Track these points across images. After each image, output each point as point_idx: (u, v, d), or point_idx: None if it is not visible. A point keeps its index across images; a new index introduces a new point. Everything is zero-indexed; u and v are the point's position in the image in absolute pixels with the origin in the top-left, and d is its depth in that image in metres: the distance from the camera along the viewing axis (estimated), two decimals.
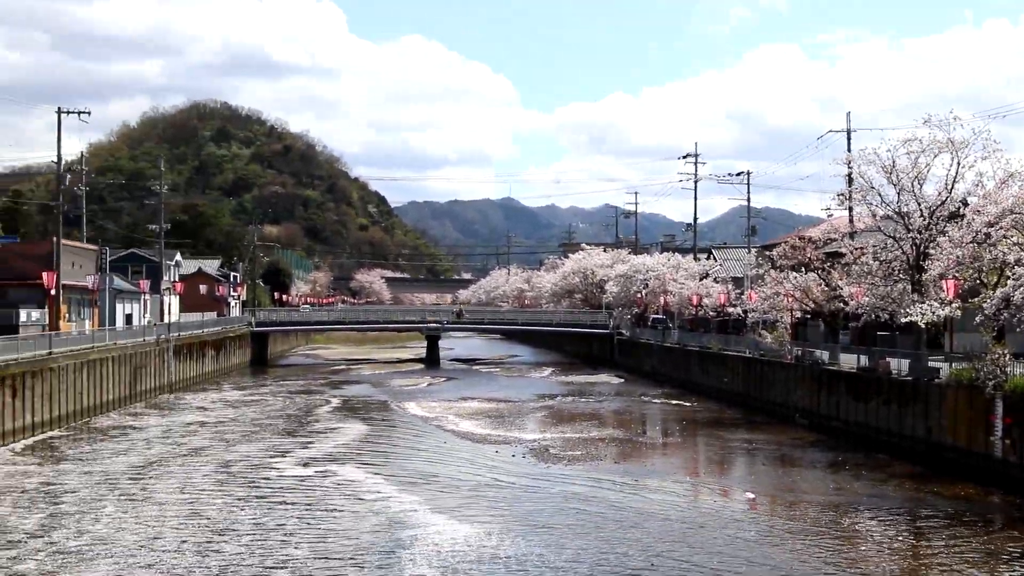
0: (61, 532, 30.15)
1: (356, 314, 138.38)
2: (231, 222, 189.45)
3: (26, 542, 28.70)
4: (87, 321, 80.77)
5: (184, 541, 29.22)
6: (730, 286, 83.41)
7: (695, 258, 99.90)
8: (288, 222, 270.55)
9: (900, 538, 30.98)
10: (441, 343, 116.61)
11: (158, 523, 31.53)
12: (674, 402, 68.31)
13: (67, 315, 75.16)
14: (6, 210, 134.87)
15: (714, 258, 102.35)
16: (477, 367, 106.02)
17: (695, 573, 26.31)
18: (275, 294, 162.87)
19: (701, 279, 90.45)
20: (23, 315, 67.41)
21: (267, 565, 26.67)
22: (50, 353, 53.61)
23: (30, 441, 47.89)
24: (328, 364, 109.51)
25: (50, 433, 50.69)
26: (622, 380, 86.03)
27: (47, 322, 67.88)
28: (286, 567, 26.45)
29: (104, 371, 60.34)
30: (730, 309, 77.12)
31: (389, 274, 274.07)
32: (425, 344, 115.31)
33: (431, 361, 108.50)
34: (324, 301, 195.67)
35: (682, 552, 28.30)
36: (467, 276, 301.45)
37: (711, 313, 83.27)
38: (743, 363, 65.45)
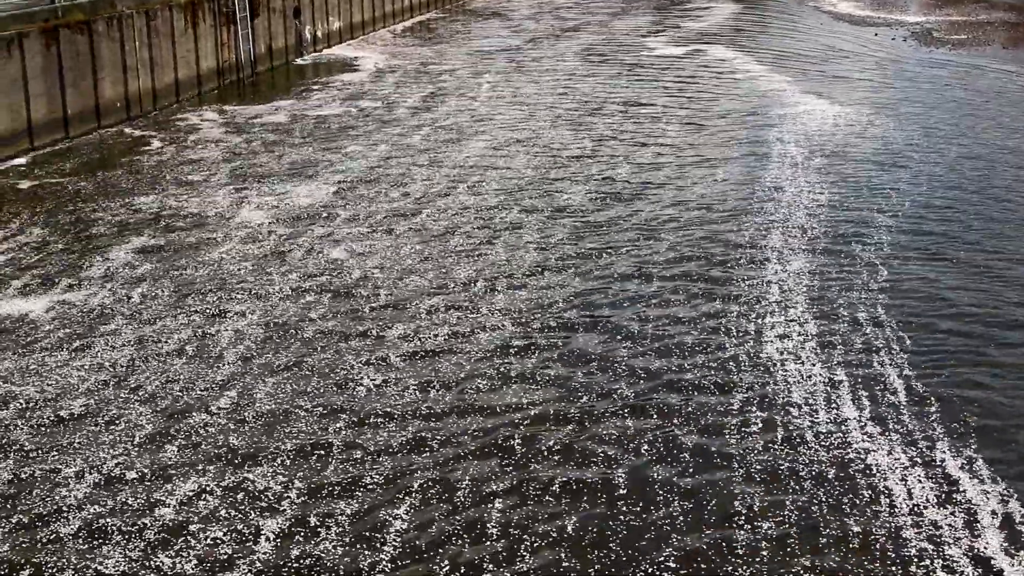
0: (440, 109, 31.31)
1: None
2: None
3: (408, 119, 29.99)
4: None
5: (559, 116, 29.84)
6: None
7: None
8: None
9: None
10: None
11: (532, 100, 32.25)
12: None
13: None
14: None
15: None
16: None
17: None
18: None
19: None
20: None
21: (623, 131, 26.91)
22: None
23: (409, 23, 49.45)
24: None
25: (427, 15, 52.13)
26: None
27: None
28: (655, 143, 26.60)
29: None
30: None
31: None
32: None
33: None
34: None
35: None
36: None
37: None
38: None
